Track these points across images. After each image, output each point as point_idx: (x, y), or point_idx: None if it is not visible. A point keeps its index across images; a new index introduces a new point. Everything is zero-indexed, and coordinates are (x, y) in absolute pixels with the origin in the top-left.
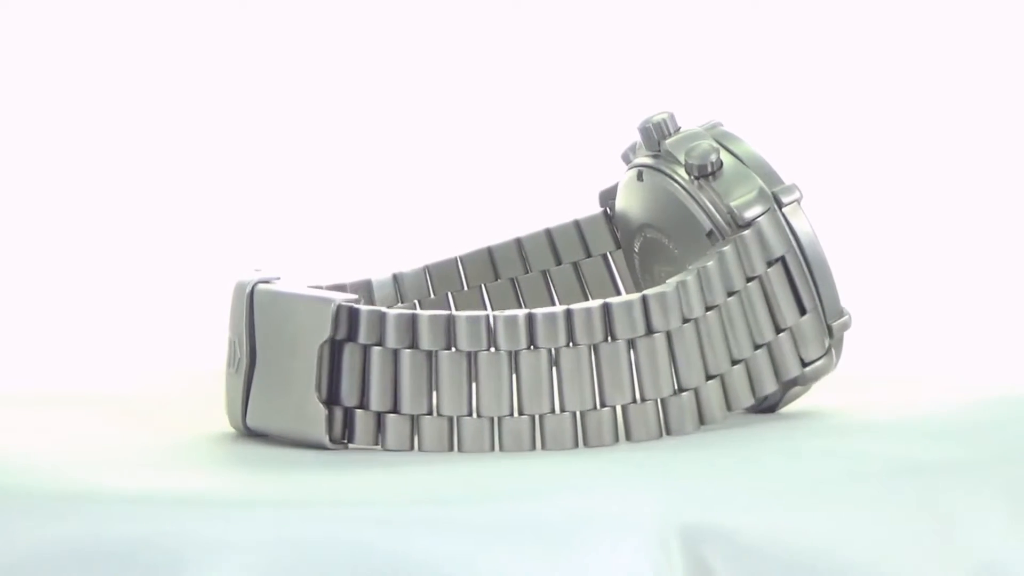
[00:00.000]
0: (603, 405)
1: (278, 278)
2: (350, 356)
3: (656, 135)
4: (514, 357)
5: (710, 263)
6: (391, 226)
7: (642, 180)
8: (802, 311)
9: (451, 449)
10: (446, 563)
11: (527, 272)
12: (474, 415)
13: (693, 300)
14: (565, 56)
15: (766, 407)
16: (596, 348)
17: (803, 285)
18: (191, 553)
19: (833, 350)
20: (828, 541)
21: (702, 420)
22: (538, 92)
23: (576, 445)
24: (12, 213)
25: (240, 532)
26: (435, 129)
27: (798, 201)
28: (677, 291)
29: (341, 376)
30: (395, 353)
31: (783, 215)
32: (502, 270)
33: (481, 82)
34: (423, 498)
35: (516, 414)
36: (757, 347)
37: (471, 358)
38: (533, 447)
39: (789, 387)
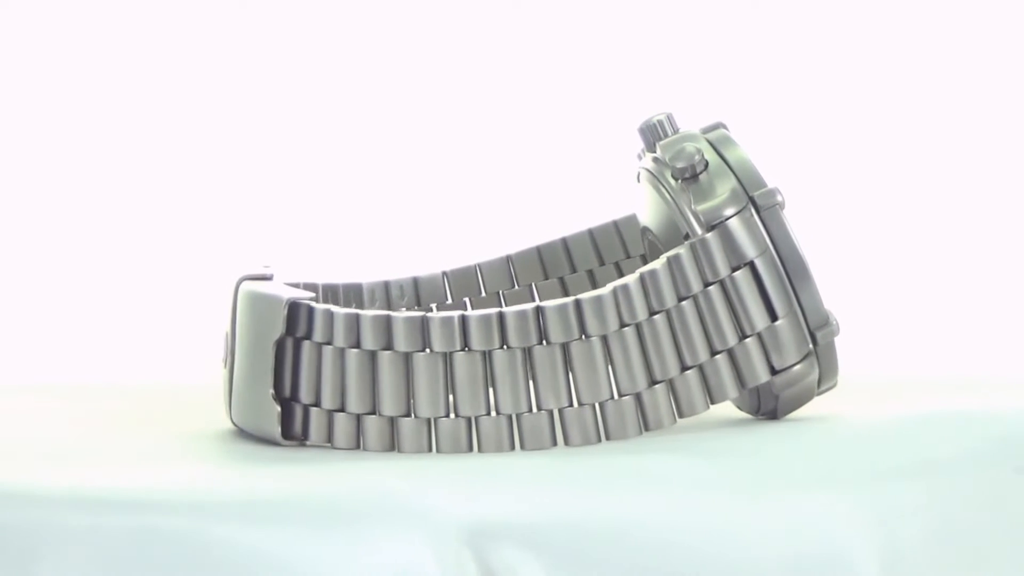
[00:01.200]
0: (539, 408)
1: (269, 276)
2: (307, 354)
3: (652, 136)
4: (449, 359)
5: (658, 267)
6: (413, 228)
7: (640, 183)
8: (773, 316)
9: (393, 449)
10: (242, 550)
11: (546, 279)
12: (412, 416)
13: (636, 304)
14: (577, 57)
15: (767, 413)
16: (531, 351)
17: (778, 290)
18: (30, 543)
19: (818, 357)
20: (618, 531)
21: (647, 425)
22: (551, 93)
23: (512, 448)
24: (12, 214)
25: (68, 524)
26: (453, 134)
27: (779, 205)
28: (614, 295)
29: (300, 374)
30: (342, 352)
31: (760, 218)
32: (520, 277)
33: (490, 84)
34: (255, 494)
35: (454, 415)
36: (716, 352)
37: (408, 359)
38: (470, 448)
39: (783, 392)
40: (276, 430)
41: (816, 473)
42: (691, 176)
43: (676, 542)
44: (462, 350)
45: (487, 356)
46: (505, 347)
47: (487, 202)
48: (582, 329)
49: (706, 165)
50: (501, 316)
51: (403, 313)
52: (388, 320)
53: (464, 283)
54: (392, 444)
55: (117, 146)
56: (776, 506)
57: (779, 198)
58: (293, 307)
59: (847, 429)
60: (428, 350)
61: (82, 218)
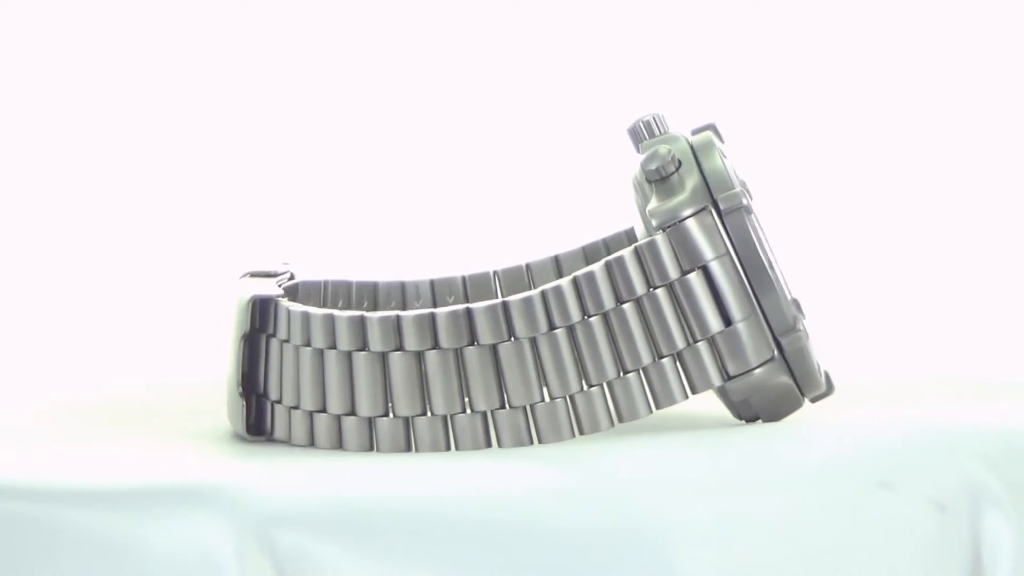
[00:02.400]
0: (472, 410)
1: (275, 272)
2: (273, 351)
3: (637, 138)
4: (387, 359)
5: (595, 269)
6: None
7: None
8: (727, 321)
9: (340, 447)
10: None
11: None
12: (355, 416)
13: (568, 306)
14: (595, 60)
15: (748, 419)
16: (462, 352)
17: (736, 294)
18: None
19: (788, 364)
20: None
21: (581, 429)
22: (575, 97)
23: (449, 448)
24: (13, 214)
25: None
26: (475, 139)
27: (743, 208)
28: (542, 297)
29: (269, 371)
30: (297, 350)
31: (722, 221)
32: (538, 283)
33: (512, 88)
34: (84, 480)
35: (392, 415)
36: (663, 356)
37: (349, 358)
38: (409, 448)
39: (742, 398)
40: (240, 425)
41: (658, 477)
42: (661, 178)
43: (475, 529)
44: (398, 350)
45: (421, 357)
46: (438, 348)
47: (522, 204)
48: (511, 330)
49: (678, 166)
50: (433, 317)
51: (346, 312)
52: (332, 319)
53: (514, 281)
54: (340, 442)
55: (144, 145)
56: (598, 505)
57: (744, 201)
58: (260, 304)
59: (725, 436)
60: (368, 350)
61: (102, 219)
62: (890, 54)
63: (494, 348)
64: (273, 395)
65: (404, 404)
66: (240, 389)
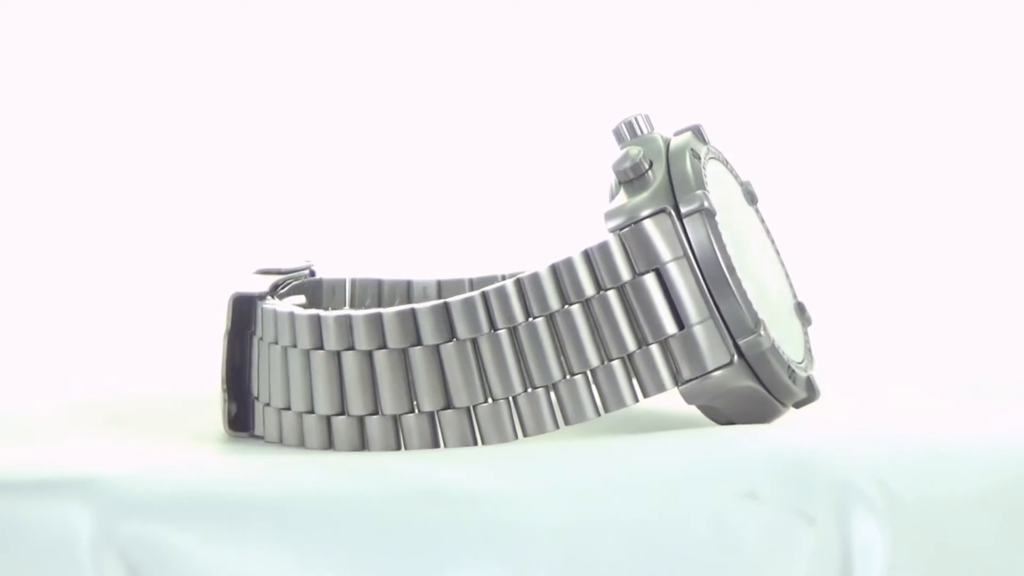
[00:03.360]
0: (419, 410)
1: (284, 270)
2: (254, 349)
3: (620, 138)
4: (339, 357)
5: (541, 271)
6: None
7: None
8: (684, 323)
9: (303, 445)
10: None
11: None
12: (314, 413)
13: (513, 307)
14: (607, 64)
15: (725, 422)
16: (408, 352)
17: (692, 296)
18: None
19: (753, 369)
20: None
21: (525, 430)
22: (588, 100)
23: (399, 447)
24: (14, 215)
25: None
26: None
27: (703, 211)
28: (483, 298)
29: (251, 368)
30: (269, 347)
31: (681, 223)
32: None
33: (502, 89)
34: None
35: (347, 414)
36: (612, 359)
37: (307, 356)
38: (362, 447)
39: (697, 402)
40: (223, 422)
41: (513, 485)
42: (629, 179)
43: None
44: (349, 349)
45: (371, 356)
46: (386, 348)
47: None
48: (452, 331)
49: (648, 167)
50: (380, 317)
51: (306, 311)
52: (292, 317)
53: None
54: (302, 440)
55: (156, 144)
56: (446, 508)
57: (704, 204)
58: (240, 302)
59: (606, 443)
60: (324, 349)
61: (108, 220)
62: (888, 53)
63: (437, 348)
64: (254, 392)
65: (356, 403)
66: (224, 385)
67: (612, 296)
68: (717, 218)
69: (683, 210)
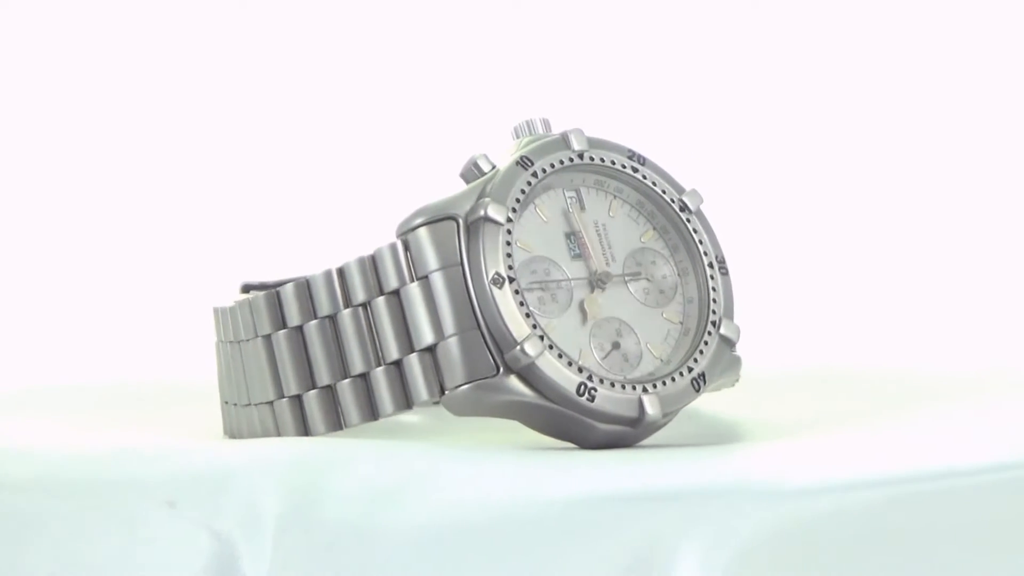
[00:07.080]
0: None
1: (268, 285)
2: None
3: (514, 136)
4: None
5: (318, 274)
6: None
7: None
8: (445, 333)
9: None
10: None
11: None
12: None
13: (290, 310)
14: (596, 66)
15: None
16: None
17: (454, 306)
18: None
19: (527, 382)
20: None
21: (306, 431)
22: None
23: (307, 432)
24: (14, 216)
25: None
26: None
27: (484, 219)
28: (268, 299)
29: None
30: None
31: (462, 231)
32: None
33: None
34: None
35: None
36: (380, 364)
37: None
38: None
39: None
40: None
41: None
42: (467, 182)
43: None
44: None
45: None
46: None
47: None
48: (254, 331)
49: (483, 173)
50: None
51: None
52: (223, 312)
53: None
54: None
55: (156, 147)
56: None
57: (481, 212)
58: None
59: None
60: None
61: (109, 221)
62: (876, 52)
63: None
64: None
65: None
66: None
67: (381, 303)
68: (512, 227)
69: (469, 217)
